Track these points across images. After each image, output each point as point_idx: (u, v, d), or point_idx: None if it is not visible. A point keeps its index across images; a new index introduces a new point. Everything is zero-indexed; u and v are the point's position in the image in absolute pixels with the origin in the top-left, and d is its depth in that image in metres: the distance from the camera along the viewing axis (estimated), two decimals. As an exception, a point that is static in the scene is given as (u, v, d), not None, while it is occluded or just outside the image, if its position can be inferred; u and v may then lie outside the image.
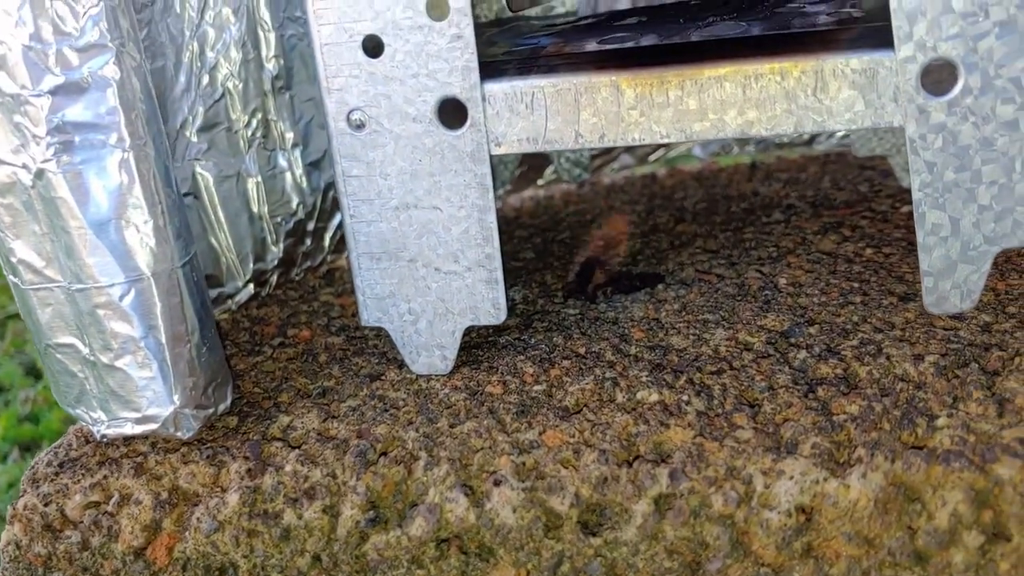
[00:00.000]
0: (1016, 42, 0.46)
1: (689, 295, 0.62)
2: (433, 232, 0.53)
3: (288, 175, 0.70)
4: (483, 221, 0.53)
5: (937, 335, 0.53)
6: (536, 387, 0.53)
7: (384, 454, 0.49)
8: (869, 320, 0.56)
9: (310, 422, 0.53)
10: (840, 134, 0.86)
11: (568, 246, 0.73)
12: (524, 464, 0.47)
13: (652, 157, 0.90)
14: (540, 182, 0.87)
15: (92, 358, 0.50)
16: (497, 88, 0.51)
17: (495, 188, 0.89)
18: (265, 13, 0.67)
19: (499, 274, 0.54)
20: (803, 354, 0.53)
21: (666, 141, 0.51)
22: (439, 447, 0.49)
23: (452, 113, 0.51)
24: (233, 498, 0.49)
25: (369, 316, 0.56)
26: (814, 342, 0.54)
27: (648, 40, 0.53)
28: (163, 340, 0.49)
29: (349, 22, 0.51)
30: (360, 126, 0.52)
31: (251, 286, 0.69)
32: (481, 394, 0.53)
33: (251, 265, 0.68)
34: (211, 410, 0.52)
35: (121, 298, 0.48)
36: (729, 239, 0.71)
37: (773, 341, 0.55)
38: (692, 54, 0.50)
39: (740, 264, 0.66)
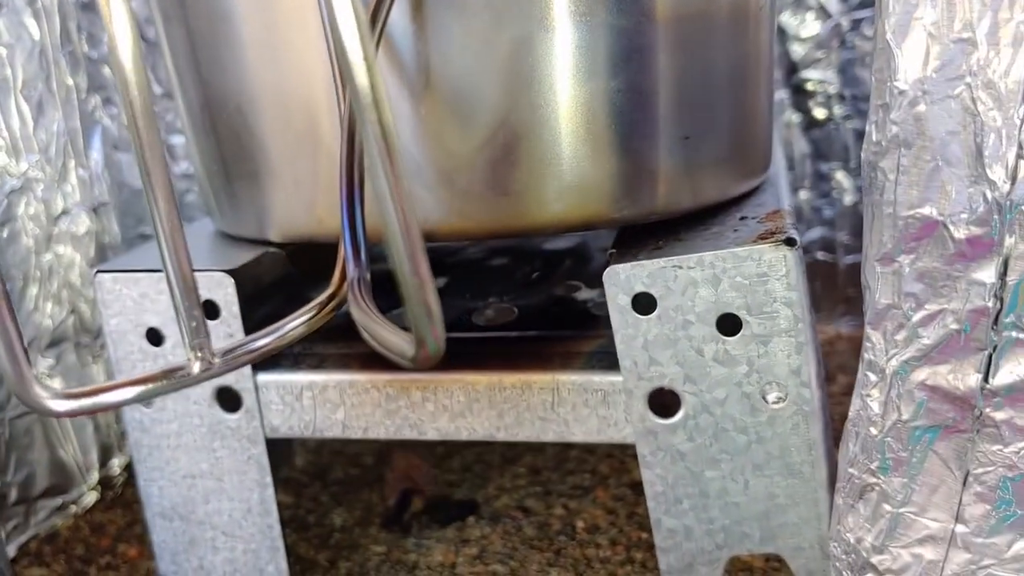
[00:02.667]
0: (730, 378, 0.49)
1: (492, 535, 0.65)
2: (218, 500, 0.57)
3: (136, 385, 0.74)
4: (263, 495, 0.56)
5: (693, 613, 0.56)
6: (310, 650, 0.57)
7: None
8: (640, 586, 0.59)
9: (96, 677, 0.56)
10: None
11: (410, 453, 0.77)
12: None
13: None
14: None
15: None
16: (269, 379, 0.54)
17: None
18: (117, 237, 0.71)
19: (280, 542, 0.57)
20: (562, 628, 0.56)
21: (424, 437, 0.54)
22: None
23: (229, 399, 0.55)
24: None
25: (165, 568, 0.59)
26: (579, 612, 0.57)
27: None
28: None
29: (133, 314, 0.54)
30: (148, 404, 0.56)
31: (97, 491, 0.72)
32: (257, 656, 0.56)
33: (96, 472, 0.72)
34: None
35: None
36: (555, 456, 0.73)
37: (543, 607, 0.58)
38: (456, 352, 0.54)
39: (552, 495, 0.68)
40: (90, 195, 0.71)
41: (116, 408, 0.38)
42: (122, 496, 0.74)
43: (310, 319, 0.41)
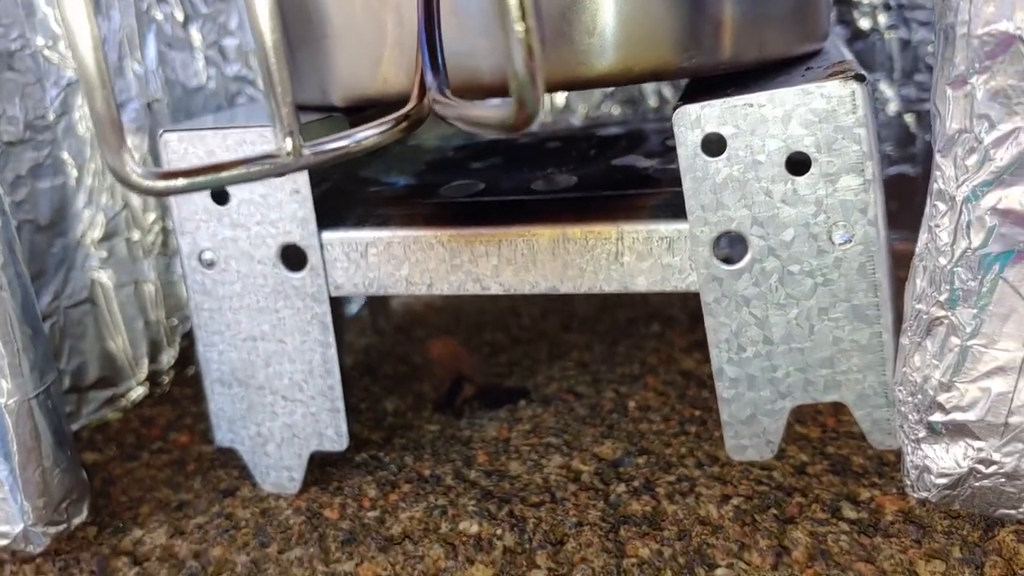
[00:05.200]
0: (798, 218, 0.49)
1: (544, 414, 0.65)
2: (279, 363, 0.57)
3: (185, 281, 0.74)
4: (325, 355, 0.57)
5: (751, 474, 0.56)
6: (371, 512, 0.57)
7: (213, 578, 0.53)
8: (695, 453, 0.59)
9: (158, 537, 0.57)
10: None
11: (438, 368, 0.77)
12: (335, 596, 0.51)
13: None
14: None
15: (-47, 477, 0.54)
16: (335, 237, 0.55)
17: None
18: (165, 131, 0.72)
19: (340, 404, 0.57)
20: (622, 488, 0.56)
21: (488, 291, 0.54)
22: (262, 574, 0.53)
23: (293, 257, 0.55)
24: (71, 615, 0.53)
25: (222, 437, 0.60)
26: (637, 474, 0.57)
27: (484, 193, 0.57)
28: (15, 465, 0.53)
29: (200, 172, 0.55)
30: (211, 265, 0.56)
31: (145, 386, 0.73)
32: (318, 517, 0.57)
33: (146, 366, 0.73)
34: (63, 526, 0.56)
35: (-25, 427, 0.53)
36: (603, 352, 0.74)
37: (601, 471, 0.58)
38: (515, 210, 0.54)
39: (602, 382, 0.69)
40: (145, 91, 0.71)
41: (211, 187, 0.38)
42: (170, 394, 0.75)
43: (384, 131, 0.42)
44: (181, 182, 0.35)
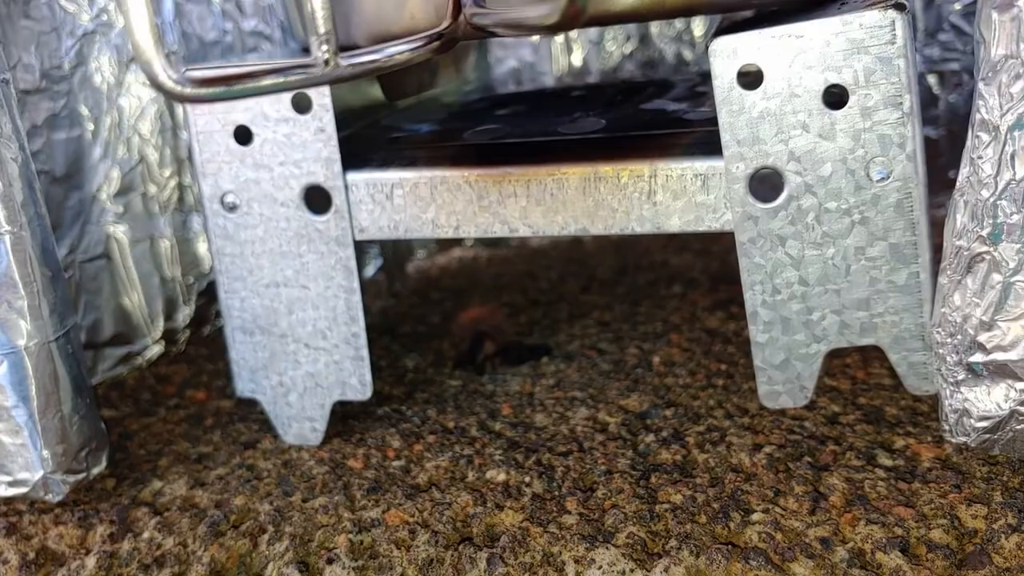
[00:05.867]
0: (836, 154, 0.48)
1: (568, 370, 0.64)
2: (302, 310, 0.56)
3: (202, 238, 0.73)
4: (349, 301, 0.56)
5: (783, 424, 0.55)
6: (395, 463, 0.56)
7: (235, 526, 0.52)
8: (724, 405, 0.58)
9: (179, 488, 0.56)
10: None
11: (464, 324, 0.76)
12: (361, 543, 0.50)
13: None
14: (468, 243, 0.90)
15: (-30, 424, 0.53)
16: (359, 178, 0.54)
17: (414, 251, 0.93)
18: (182, 85, 0.71)
19: (364, 352, 0.56)
20: (651, 438, 0.55)
21: (516, 234, 0.53)
22: (286, 522, 0.52)
23: (318, 199, 0.54)
24: (91, 561, 0.52)
25: (243, 387, 0.58)
26: (665, 425, 0.56)
27: (511, 135, 0.56)
28: (33, 409, 0.52)
29: (222, 112, 0.54)
30: (233, 208, 0.55)
31: (161, 344, 0.72)
32: (342, 467, 0.56)
33: (161, 324, 0.71)
34: (83, 475, 0.55)
35: (-6, 369, 0.52)
36: (624, 312, 0.73)
37: (628, 423, 0.57)
38: (543, 152, 0.53)
39: (625, 339, 0.68)
40: (161, 43, 0.70)
41: (247, 95, 0.37)
42: (185, 352, 0.73)
43: (417, 47, 0.41)
44: (218, 89, 0.34)
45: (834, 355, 0.57)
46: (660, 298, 0.75)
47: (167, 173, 0.71)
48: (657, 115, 0.58)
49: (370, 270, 0.85)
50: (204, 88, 0.34)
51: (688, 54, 0.90)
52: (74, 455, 0.54)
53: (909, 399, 0.56)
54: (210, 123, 0.54)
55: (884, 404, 0.56)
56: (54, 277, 0.54)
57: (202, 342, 0.75)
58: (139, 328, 0.70)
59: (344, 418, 0.61)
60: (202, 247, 0.73)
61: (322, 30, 0.35)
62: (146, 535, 0.52)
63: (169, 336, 0.73)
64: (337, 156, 0.53)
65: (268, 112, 0.53)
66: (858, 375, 0.60)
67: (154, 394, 0.68)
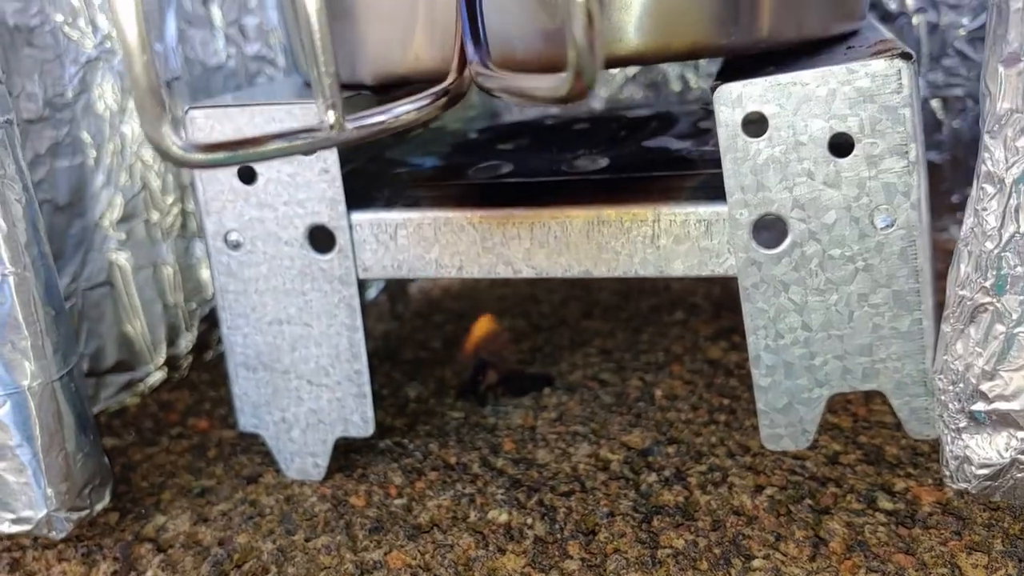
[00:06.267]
0: (839, 202, 0.48)
1: (570, 403, 0.64)
2: (305, 347, 0.56)
3: (204, 264, 0.73)
4: (352, 339, 0.56)
5: (784, 464, 0.55)
6: (397, 500, 0.56)
7: (239, 566, 0.52)
8: (726, 442, 0.58)
9: (182, 524, 0.56)
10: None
11: (467, 347, 0.76)
12: (364, 584, 0.50)
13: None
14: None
15: (-26, 462, 0.53)
16: (364, 218, 0.54)
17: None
18: (185, 112, 0.71)
19: (367, 388, 0.56)
20: (653, 477, 0.55)
21: (519, 275, 0.53)
22: (289, 562, 0.52)
23: (321, 239, 0.54)
24: (94, 601, 0.52)
25: (246, 422, 0.59)
26: (667, 463, 0.57)
27: (513, 174, 0.56)
28: (37, 448, 0.52)
29: (226, 152, 0.54)
30: (237, 246, 0.55)
31: (163, 371, 0.72)
32: (344, 505, 0.56)
33: (164, 351, 0.71)
34: (86, 511, 0.55)
35: (-3, 409, 0.52)
36: (626, 340, 0.73)
37: (630, 460, 0.57)
38: (546, 192, 0.53)
39: (627, 370, 0.68)
40: (164, 69, 0.70)
41: (253, 161, 0.37)
42: (188, 378, 0.74)
43: (423, 106, 0.41)
44: (222, 155, 0.34)
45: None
46: (663, 324, 0.75)
47: (170, 200, 0.71)
48: (660, 154, 0.58)
49: (372, 292, 0.85)
50: (210, 154, 0.34)
51: (692, 77, 0.90)
52: (78, 492, 0.54)
53: (910, 439, 0.56)
54: (214, 162, 0.54)
55: (885, 443, 0.57)
56: (57, 316, 0.54)
57: (204, 367, 0.75)
58: (142, 355, 0.71)
59: (346, 452, 0.61)
60: (204, 273, 0.74)
61: (328, 95, 0.35)
62: (149, 574, 0.52)
63: (171, 363, 0.73)
64: (341, 196, 0.53)
65: (272, 152, 0.53)
66: (859, 412, 0.60)
67: (156, 422, 0.68)
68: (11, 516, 0.54)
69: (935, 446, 0.56)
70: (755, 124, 0.48)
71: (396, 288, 0.86)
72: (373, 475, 0.58)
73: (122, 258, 0.69)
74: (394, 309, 0.84)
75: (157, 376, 0.72)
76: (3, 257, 0.51)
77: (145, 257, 0.70)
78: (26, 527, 0.53)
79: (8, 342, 0.51)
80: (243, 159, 0.35)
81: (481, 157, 0.61)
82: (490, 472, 0.58)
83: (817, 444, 0.57)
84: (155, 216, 0.71)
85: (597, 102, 0.90)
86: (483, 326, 0.72)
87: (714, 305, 0.77)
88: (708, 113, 0.66)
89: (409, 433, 0.63)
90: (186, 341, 0.73)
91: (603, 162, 0.56)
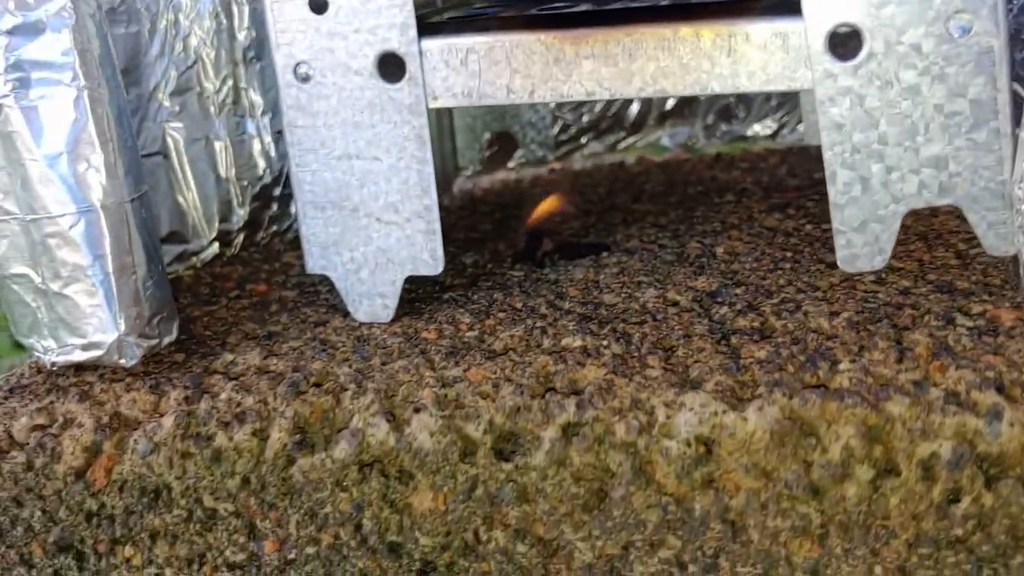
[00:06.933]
0: (915, 9, 0.48)
1: (630, 261, 0.64)
2: (374, 182, 0.56)
3: (256, 141, 0.73)
4: (421, 172, 0.56)
5: (856, 295, 0.55)
6: (469, 333, 0.56)
7: (316, 385, 0.52)
8: (794, 283, 0.58)
9: (251, 359, 0.56)
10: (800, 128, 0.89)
11: (526, 220, 0.76)
12: (445, 395, 0.50)
13: (621, 145, 0.93)
14: (510, 164, 0.90)
15: (44, 287, 0.53)
16: (434, 44, 0.54)
17: (463, 166, 0.93)
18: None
19: (437, 225, 0.56)
20: (724, 310, 0.55)
21: (593, 97, 0.53)
22: (368, 380, 0.51)
23: (392, 67, 0.54)
24: (168, 421, 0.51)
25: (314, 264, 0.58)
26: (737, 300, 0.56)
27: (582, 5, 0.56)
28: (109, 269, 0.52)
29: (298, -20, 0.54)
30: (306, 79, 0.55)
31: (216, 245, 0.72)
32: (416, 338, 0.56)
33: (216, 225, 0.71)
34: (155, 341, 0.54)
35: (71, 228, 0.51)
36: (679, 215, 0.73)
37: (699, 299, 0.57)
38: (616, 18, 0.53)
39: (684, 236, 0.68)
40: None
41: None
42: (239, 255, 0.73)
43: None
44: None
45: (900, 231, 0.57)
46: (714, 204, 0.75)
47: (223, 74, 0.71)
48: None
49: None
50: None
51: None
52: (147, 321, 0.54)
53: (979, 274, 0.56)
54: (285, -10, 0.54)
55: (954, 279, 0.56)
56: (129, 139, 0.54)
57: (256, 247, 0.74)
58: (195, 227, 0.70)
59: (411, 300, 0.61)
60: (256, 149, 0.73)
61: None
62: (224, 396, 0.52)
63: (223, 238, 0.73)
64: (412, 22, 0.53)
65: (345, -23, 0.53)
66: (924, 258, 0.60)
67: (212, 289, 0.68)
68: (82, 341, 0.53)
69: (1006, 279, 0.55)
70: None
71: (440, 184, 0.85)
72: (441, 316, 0.58)
73: (176, 129, 0.69)
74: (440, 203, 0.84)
75: (210, 250, 0.71)
76: (78, 71, 0.51)
77: (198, 130, 0.70)
78: (97, 352, 0.53)
79: (83, 159, 0.51)
80: None
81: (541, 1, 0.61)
82: (558, 312, 0.57)
83: (885, 279, 0.57)
84: (208, 89, 0.70)
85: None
86: (547, 204, 0.72)
87: (764, 189, 0.77)
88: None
89: (471, 287, 0.63)
90: (237, 216, 0.73)
91: (670, -6, 0.56)
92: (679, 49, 0.51)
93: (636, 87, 0.52)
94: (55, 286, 0.52)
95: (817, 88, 0.50)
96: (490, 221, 0.77)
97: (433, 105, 0.55)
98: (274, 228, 0.76)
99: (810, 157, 0.86)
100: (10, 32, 0.50)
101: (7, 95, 0.50)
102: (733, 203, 0.74)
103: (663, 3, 0.55)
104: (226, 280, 0.69)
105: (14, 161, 0.51)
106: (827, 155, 0.51)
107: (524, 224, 0.71)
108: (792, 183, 0.78)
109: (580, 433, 0.47)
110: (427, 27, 0.54)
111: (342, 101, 0.55)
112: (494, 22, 0.55)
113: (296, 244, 0.75)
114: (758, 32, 0.51)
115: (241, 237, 0.73)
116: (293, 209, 0.77)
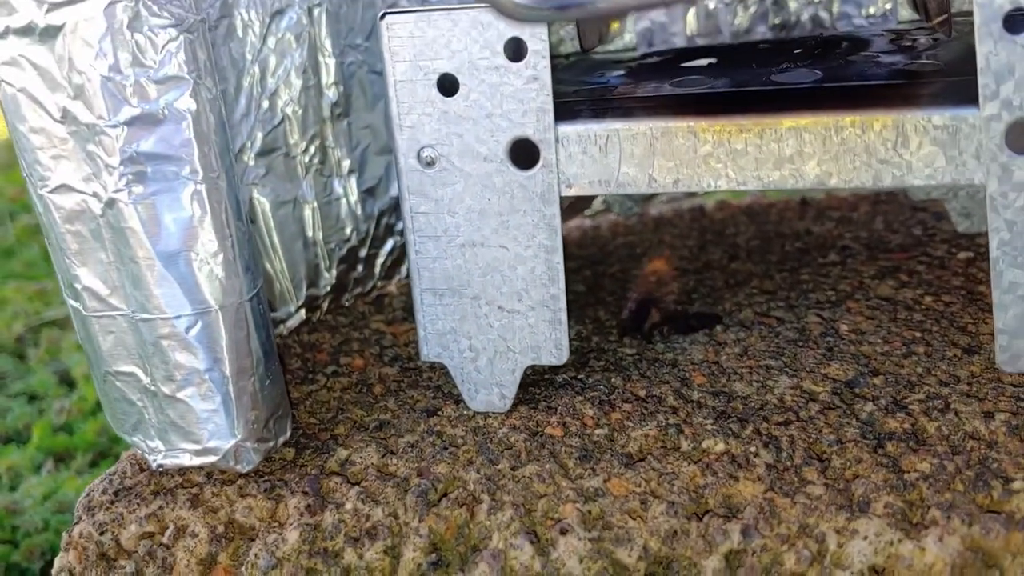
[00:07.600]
0: (1105, 103, 0.45)
1: (749, 338, 0.61)
2: (498, 271, 0.53)
3: (343, 201, 0.70)
4: (550, 261, 0.52)
5: (1006, 391, 0.53)
6: (597, 431, 0.53)
7: (446, 495, 0.49)
8: (933, 372, 0.55)
9: (368, 457, 0.53)
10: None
11: (619, 280, 0.73)
12: (590, 513, 0.47)
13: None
14: (588, 212, 0.87)
15: (153, 388, 0.50)
16: (571, 130, 0.50)
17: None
18: (326, 40, 0.67)
19: (563, 315, 0.53)
20: (870, 406, 0.52)
21: (743, 188, 0.50)
22: (501, 490, 0.48)
23: (523, 153, 0.51)
24: (293, 535, 0.48)
25: (429, 351, 0.55)
26: (880, 394, 0.54)
27: (722, 85, 0.53)
28: (228, 373, 0.49)
29: (425, 60, 0.50)
30: (430, 163, 0.52)
31: (303, 312, 0.68)
32: (541, 435, 0.53)
33: (304, 291, 0.68)
34: (271, 443, 0.52)
35: (187, 330, 0.48)
36: (785, 280, 0.70)
37: (838, 391, 0.54)
38: (766, 102, 0.50)
39: (799, 307, 0.65)
40: (304, -6, 0.67)
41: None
42: (325, 321, 0.70)
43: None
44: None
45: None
46: (819, 266, 0.72)
47: (310, 133, 0.68)
48: (877, 66, 0.55)
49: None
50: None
51: (825, 16, 0.86)
52: (264, 424, 0.51)
53: None
54: (410, 71, 0.51)
55: (1106, 372, 0.54)
56: (245, 233, 0.50)
57: (341, 311, 0.71)
58: (282, 295, 0.67)
59: (524, 385, 0.58)
60: (343, 211, 0.70)
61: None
62: (349, 506, 0.49)
63: (310, 303, 0.69)
64: (550, 107, 0.50)
65: (477, 60, 0.50)
66: (1066, 343, 0.57)
67: (305, 363, 0.64)
68: (195, 447, 0.50)
69: None
70: (1018, 18, 0.45)
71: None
72: (561, 407, 0.55)
73: (263, 193, 0.66)
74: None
75: (298, 317, 0.68)
76: (196, 164, 0.47)
77: (286, 192, 0.67)
78: (211, 458, 0.50)
79: (201, 256, 0.48)
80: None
81: (669, 75, 0.58)
82: (689, 404, 0.54)
83: (1034, 373, 0.54)
84: (295, 150, 0.67)
85: (726, 38, 0.87)
86: (654, 266, 0.69)
87: (866, 248, 0.74)
88: (899, 35, 0.63)
89: (584, 369, 0.60)
90: (325, 281, 0.70)
91: (816, 74, 0.53)
92: (841, 141, 0.48)
93: (794, 180, 0.49)
94: (166, 389, 0.49)
95: (990, 183, 0.47)
96: (582, 281, 0.74)
97: (566, 193, 0.51)
98: (358, 290, 0.73)
99: (901, 206, 0.83)
100: (127, 123, 0.46)
101: (121, 189, 0.47)
102: (838, 265, 0.71)
103: (806, 84, 0.52)
104: (318, 351, 0.66)
105: (125, 258, 0.48)
106: (994, 253, 0.48)
107: (626, 290, 0.68)
108: (894, 241, 0.75)
109: (746, 563, 0.44)
110: (562, 110, 0.51)
111: (468, 188, 0.52)
112: (635, 105, 0.52)
113: (380, 307, 0.72)
114: (928, 124, 0.47)
115: (327, 302, 0.70)
116: (377, 270, 0.74)
